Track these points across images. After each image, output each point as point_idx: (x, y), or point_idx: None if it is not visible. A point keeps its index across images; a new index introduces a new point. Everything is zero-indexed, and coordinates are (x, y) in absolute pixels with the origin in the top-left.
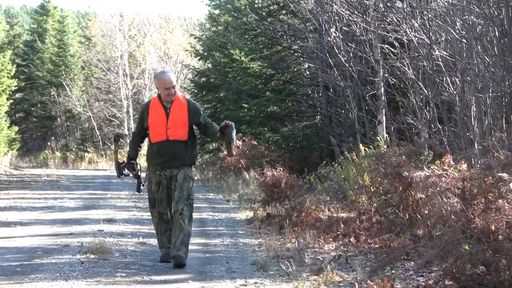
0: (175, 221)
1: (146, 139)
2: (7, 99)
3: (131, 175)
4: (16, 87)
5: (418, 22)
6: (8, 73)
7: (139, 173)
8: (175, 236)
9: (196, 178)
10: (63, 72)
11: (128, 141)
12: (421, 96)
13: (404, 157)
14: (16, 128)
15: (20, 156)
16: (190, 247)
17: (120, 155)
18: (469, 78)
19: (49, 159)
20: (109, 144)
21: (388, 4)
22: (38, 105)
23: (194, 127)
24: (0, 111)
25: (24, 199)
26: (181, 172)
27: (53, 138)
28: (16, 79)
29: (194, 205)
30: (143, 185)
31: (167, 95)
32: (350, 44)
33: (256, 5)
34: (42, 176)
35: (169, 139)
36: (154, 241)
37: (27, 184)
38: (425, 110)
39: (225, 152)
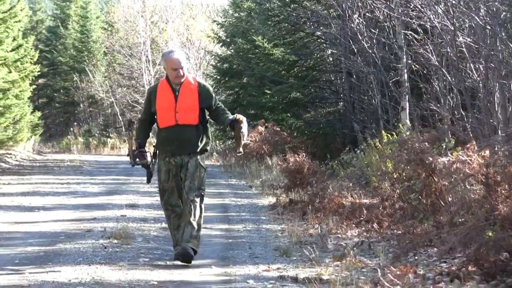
0: (184, 213)
1: (154, 126)
2: (30, 84)
3: (140, 165)
4: (39, 73)
5: (442, 8)
6: (31, 58)
7: (149, 163)
8: (184, 228)
9: (218, 163)
10: (86, 58)
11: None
12: (445, 83)
13: (427, 143)
14: (39, 114)
15: (43, 141)
16: (213, 232)
17: (135, 142)
18: (492, 65)
19: (72, 145)
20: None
21: None
22: (61, 90)
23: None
24: (23, 97)
25: (47, 184)
26: (193, 160)
27: (75, 123)
28: (39, 65)
29: (217, 190)
30: (152, 174)
31: (175, 76)
32: (373, 30)
33: None
34: (65, 161)
35: (178, 123)
36: None
37: (50, 169)
38: (449, 97)
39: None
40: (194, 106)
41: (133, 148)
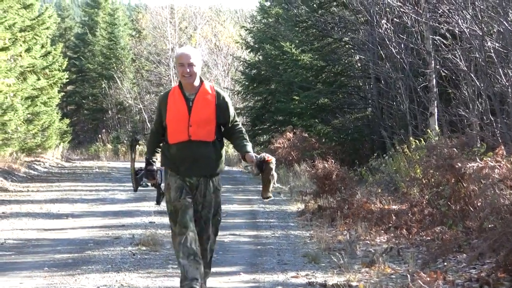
0: (202, 248)
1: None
2: (59, 91)
3: (149, 185)
4: (68, 80)
5: (470, 13)
6: (59, 66)
7: (159, 181)
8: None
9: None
10: (114, 64)
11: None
12: (473, 88)
13: (456, 149)
14: (67, 121)
15: (71, 148)
16: (242, 239)
17: (139, 157)
18: None
19: (100, 151)
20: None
21: None
22: (89, 97)
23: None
24: (51, 104)
25: (76, 191)
26: (210, 186)
27: (104, 130)
28: (68, 72)
29: (245, 197)
30: (163, 194)
31: (181, 74)
32: (402, 36)
33: None
34: (93, 168)
35: (192, 139)
36: None
37: (78, 176)
38: (477, 102)
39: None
40: (210, 120)
41: (136, 169)
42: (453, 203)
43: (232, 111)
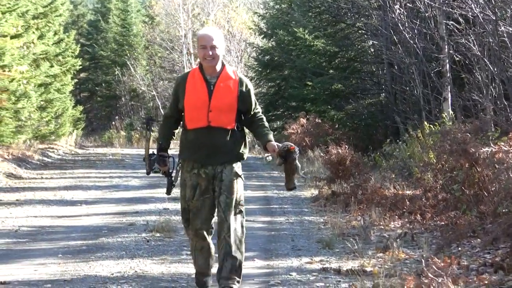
0: (221, 239)
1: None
2: (72, 78)
3: (161, 172)
4: (81, 67)
5: None
6: (72, 52)
7: (171, 170)
8: (222, 262)
9: (260, 156)
10: (127, 51)
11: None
12: (487, 73)
13: (469, 134)
14: (81, 108)
15: (85, 135)
16: (256, 225)
17: (153, 143)
18: None
19: (114, 138)
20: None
21: None
22: (103, 84)
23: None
24: (65, 91)
25: (89, 178)
26: (227, 169)
27: (117, 117)
28: (81, 59)
29: (259, 183)
30: (174, 185)
31: (203, 57)
32: (415, 21)
33: None
34: (107, 155)
35: (211, 125)
36: None
37: (92, 163)
38: (491, 87)
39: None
40: (231, 106)
41: (150, 152)
42: (467, 188)
43: (254, 99)
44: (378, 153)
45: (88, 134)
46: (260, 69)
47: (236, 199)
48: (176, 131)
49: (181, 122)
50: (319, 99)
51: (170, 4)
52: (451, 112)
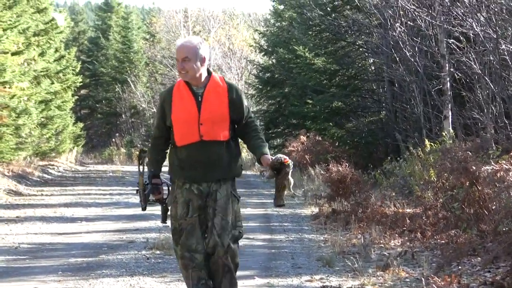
0: (216, 263)
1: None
2: (72, 95)
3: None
4: (81, 84)
5: (484, 16)
6: (73, 69)
7: (165, 196)
8: (220, 277)
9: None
10: (128, 68)
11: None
12: (487, 91)
13: (470, 152)
14: (81, 125)
15: (85, 152)
16: (256, 243)
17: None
18: None
19: (114, 155)
20: None
21: None
22: (103, 101)
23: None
24: (65, 108)
25: (90, 195)
26: (223, 189)
27: (117, 134)
28: (81, 76)
29: (259, 200)
30: (168, 210)
31: (178, 70)
32: (415, 39)
33: (320, 1)
34: (107, 172)
35: (204, 139)
36: None
37: (92, 180)
38: (492, 105)
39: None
40: (223, 116)
41: (144, 183)
42: (468, 206)
43: (246, 106)
44: (379, 171)
45: (88, 151)
46: (260, 87)
47: (232, 221)
48: (168, 151)
49: (171, 140)
50: (320, 116)
51: (171, 21)
52: (451, 130)
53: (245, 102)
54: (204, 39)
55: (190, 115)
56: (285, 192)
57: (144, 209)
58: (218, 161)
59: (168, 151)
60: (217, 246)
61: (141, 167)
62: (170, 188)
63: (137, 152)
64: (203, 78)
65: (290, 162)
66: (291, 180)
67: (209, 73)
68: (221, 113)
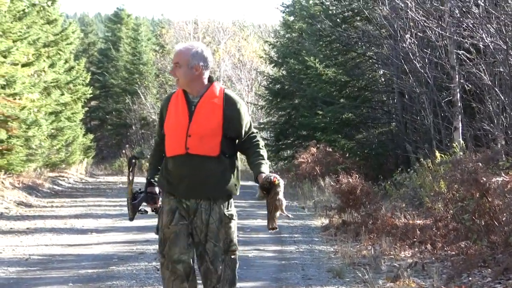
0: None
1: None
2: (82, 106)
3: (148, 211)
4: (91, 95)
5: (494, 27)
6: (83, 81)
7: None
8: None
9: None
10: (138, 79)
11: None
12: (498, 102)
13: (480, 163)
14: (91, 136)
15: (95, 163)
16: (266, 254)
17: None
18: None
19: (124, 167)
20: None
21: (464, 10)
22: (113, 112)
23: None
24: (75, 119)
25: (100, 207)
26: (215, 211)
27: (127, 145)
28: (91, 87)
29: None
30: None
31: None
32: (426, 50)
33: (330, 12)
34: (117, 183)
35: (189, 152)
36: None
37: (102, 191)
38: (502, 116)
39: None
40: (214, 131)
41: (133, 191)
42: (478, 217)
43: (246, 121)
44: (389, 182)
45: (98, 162)
46: (270, 98)
47: (225, 245)
48: None
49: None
50: (330, 128)
51: (181, 32)
52: (461, 141)
53: (246, 118)
54: (206, 46)
55: (179, 125)
56: (277, 214)
57: (131, 219)
58: (206, 178)
59: None
60: (210, 273)
61: (131, 174)
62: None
63: (127, 159)
64: (199, 87)
65: (280, 182)
66: (283, 201)
67: (210, 82)
68: (212, 127)
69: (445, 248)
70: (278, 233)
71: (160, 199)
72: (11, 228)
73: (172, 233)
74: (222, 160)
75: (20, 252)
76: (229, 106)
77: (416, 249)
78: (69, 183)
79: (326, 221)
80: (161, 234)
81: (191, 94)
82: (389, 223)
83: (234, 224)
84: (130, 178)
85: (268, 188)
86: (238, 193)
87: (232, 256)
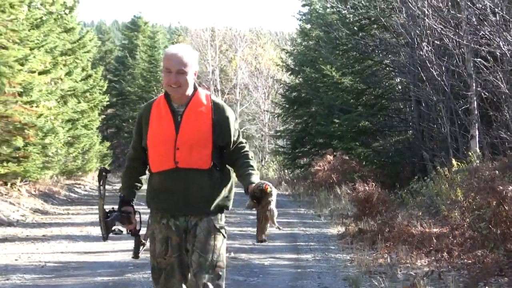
0: None
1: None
2: (99, 114)
3: (124, 232)
4: (108, 103)
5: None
6: (100, 88)
7: (139, 227)
8: None
9: (287, 193)
10: (154, 87)
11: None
12: None
13: (497, 171)
14: (107, 144)
15: (112, 171)
16: (282, 262)
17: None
18: None
19: None
20: None
21: (481, 18)
22: (130, 120)
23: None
24: (92, 127)
25: None
26: (203, 222)
27: None
28: (108, 95)
29: (285, 220)
30: (143, 244)
31: (166, 83)
32: (443, 58)
33: (347, 20)
34: None
35: (179, 166)
36: (245, 256)
37: (118, 199)
38: None
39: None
40: (205, 141)
41: (106, 209)
42: (495, 226)
43: (234, 129)
44: (405, 191)
45: (114, 170)
46: (287, 106)
47: (212, 260)
48: (144, 176)
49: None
50: (346, 136)
51: (198, 40)
52: (478, 149)
53: (235, 125)
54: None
55: (165, 137)
56: (268, 225)
57: (105, 239)
58: (197, 193)
59: (143, 176)
60: (193, 287)
61: (102, 188)
62: (141, 217)
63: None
64: (188, 94)
65: (272, 190)
66: (275, 211)
67: (195, 88)
68: (202, 137)
69: (462, 257)
70: (294, 241)
71: (137, 217)
72: (27, 236)
73: (168, 265)
74: (214, 173)
75: (36, 259)
76: (218, 113)
77: (433, 258)
78: (85, 190)
79: (342, 229)
80: (155, 262)
81: (177, 102)
82: (405, 231)
83: (222, 240)
84: (101, 192)
85: (259, 197)
86: (230, 207)
87: (220, 273)
